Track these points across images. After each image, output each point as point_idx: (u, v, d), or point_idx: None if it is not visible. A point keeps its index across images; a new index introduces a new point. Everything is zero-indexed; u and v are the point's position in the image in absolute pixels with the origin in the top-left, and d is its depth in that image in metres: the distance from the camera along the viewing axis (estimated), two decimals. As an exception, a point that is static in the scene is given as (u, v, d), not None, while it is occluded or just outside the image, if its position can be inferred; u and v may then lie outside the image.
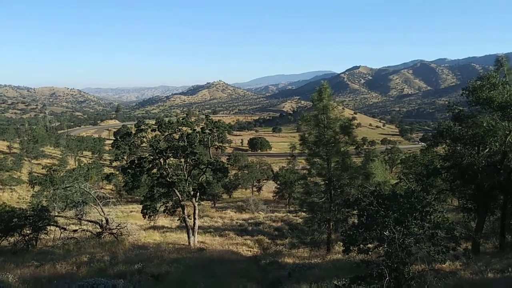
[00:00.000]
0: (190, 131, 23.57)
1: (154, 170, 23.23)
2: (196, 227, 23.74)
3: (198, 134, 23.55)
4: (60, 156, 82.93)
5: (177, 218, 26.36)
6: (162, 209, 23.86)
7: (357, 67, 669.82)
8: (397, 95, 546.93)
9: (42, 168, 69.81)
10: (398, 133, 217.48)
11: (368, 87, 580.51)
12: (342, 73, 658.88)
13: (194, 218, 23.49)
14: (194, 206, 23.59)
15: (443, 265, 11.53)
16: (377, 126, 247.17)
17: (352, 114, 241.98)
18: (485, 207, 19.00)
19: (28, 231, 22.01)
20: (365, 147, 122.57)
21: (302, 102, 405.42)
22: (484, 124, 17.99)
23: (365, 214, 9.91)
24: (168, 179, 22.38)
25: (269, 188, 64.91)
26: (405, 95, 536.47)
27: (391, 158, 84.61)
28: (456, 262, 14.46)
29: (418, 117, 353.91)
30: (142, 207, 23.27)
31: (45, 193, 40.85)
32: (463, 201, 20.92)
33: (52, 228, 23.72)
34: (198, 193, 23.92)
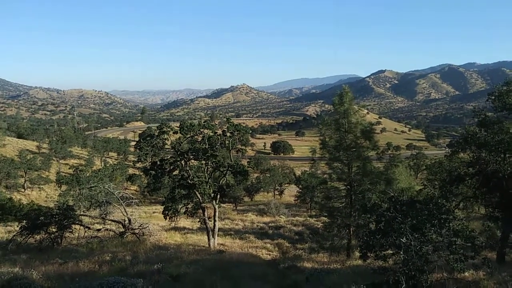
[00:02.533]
0: (211, 134, 23.82)
1: (176, 172, 23.54)
2: (216, 229, 23.91)
3: (219, 137, 23.77)
4: (87, 157, 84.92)
5: (198, 220, 26.61)
6: (183, 210, 24.14)
7: (382, 71, 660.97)
8: (423, 99, 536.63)
9: (69, 168, 71.77)
10: (424, 139, 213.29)
11: (393, 91, 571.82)
12: (367, 77, 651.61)
13: (215, 220, 23.67)
14: (215, 208, 23.79)
15: (465, 274, 11.30)
16: (402, 131, 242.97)
17: (377, 119, 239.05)
18: (511, 215, 18.43)
19: (53, 229, 22.65)
20: (389, 152, 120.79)
21: (326, 106, 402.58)
22: (511, 130, 17.52)
23: (383, 220, 9.81)
24: (189, 181, 22.63)
25: (291, 192, 64.68)
26: (432, 100, 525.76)
27: (416, 163, 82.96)
28: (479, 271, 14.12)
29: (445, 122, 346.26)
30: (164, 208, 23.60)
31: (71, 192, 42.09)
32: (490, 209, 20.35)
33: (77, 226, 24.33)
34: (218, 195, 24.09)
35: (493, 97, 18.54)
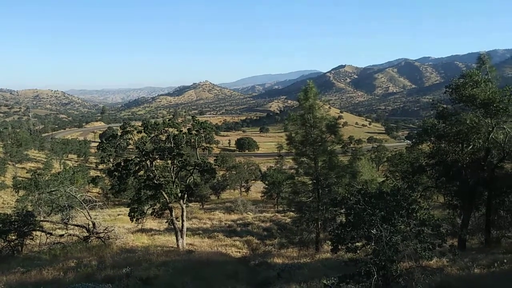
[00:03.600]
0: (176, 132, 23.45)
1: (141, 173, 23.02)
2: (185, 229, 23.61)
3: (184, 135, 23.44)
4: (45, 160, 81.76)
5: (165, 221, 26.20)
6: (149, 211, 23.66)
7: (342, 66, 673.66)
8: (382, 93, 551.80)
9: (27, 172, 68.92)
10: (384, 132, 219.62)
11: (354, 86, 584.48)
12: (328, 72, 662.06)
13: (182, 220, 23.36)
14: (182, 208, 23.47)
15: (430, 261, 11.67)
16: (363, 125, 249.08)
17: (338, 113, 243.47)
18: (470, 203, 19.26)
19: (13, 237, 21.65)
20: (351, 145, 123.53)
21: (289, 101, 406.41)
22: (468, 121, 18.28)
23: (352, 212, 9.98)
24: (155, 181, 22.20)
25: (257, 189, 64.91)
26: (390, 94, 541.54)
27: (377, 156, 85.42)
28: (443, 258, 14.65)
29: (403, 115, 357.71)
30: (129, 210, 23.05)
31: (30, 197, 40.30)
32: (449, 198, 21.21)
33: (38, 233, 23.35)
34: (185, 195, 23.78)
35: (450, 90, 19.27)
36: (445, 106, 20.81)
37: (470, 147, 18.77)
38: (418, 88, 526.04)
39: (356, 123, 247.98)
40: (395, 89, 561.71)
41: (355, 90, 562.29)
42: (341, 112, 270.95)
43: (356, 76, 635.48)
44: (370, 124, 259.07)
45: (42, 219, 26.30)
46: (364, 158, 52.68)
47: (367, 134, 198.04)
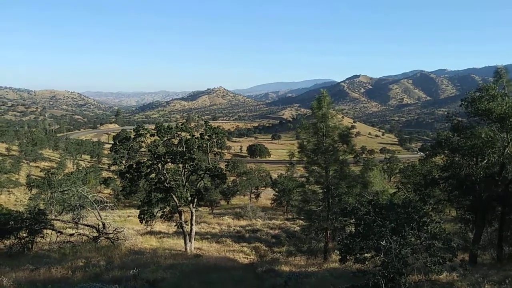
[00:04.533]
0: (189, 137, 23.59)
1: (152, 175, 23.18)
2: (193, 233, 23.65)
3: (197, 140, 23.56)
4: (59, 159, 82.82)
5: (174, 224, 26.29)
6: (159, 214, 23.77)
7: (357, 76, 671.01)
8: (396, 104, 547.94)
9: (40, 171, 69.78)
10: (397, 143, 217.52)
11: (368, 96, 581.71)
12: (342, 81, 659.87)
13: (191, 224, 23.41)
14: (192, 212, 23.53)
15: (440, 276, 11.51)
16: (376, 135, 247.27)
17: (351, 123, 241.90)
18: (483, 218, 18.95)
19: (24, 234, 21.93)
20: (364, 156, 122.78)
21: (302, 109, 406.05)
22: (483, 135, 18.03)
23: (362, 223, 9.89)
24: (166, 185, 22.33)
25: (267, 195, 64.75)
26: (404, 105, 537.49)
27: (389, 167, 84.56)
28: (453, 273, 14.42)
29: (417, 127, 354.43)
30: (139, 212, 23.19)
31: (42, 196, 40.85)
32: (461, 212, 20.88)
33: (49, 231, 23.62)
34: (195, 199, 23.84)
35: (466, 103, 19.04)
36: (460, 119, 20.58)
37: (485, 161, 18.49)
38: (433, 100, 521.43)
39: (369, 133, 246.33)
40: (410, 101, 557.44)
41: (369, 100, 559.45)
42: (354, 121, 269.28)
43: (370, 86, 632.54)
44: (383, 134, 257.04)
45: (53, 217, 26.64)
46: (376, 169, 52.19)
47: (379, 144, 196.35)
